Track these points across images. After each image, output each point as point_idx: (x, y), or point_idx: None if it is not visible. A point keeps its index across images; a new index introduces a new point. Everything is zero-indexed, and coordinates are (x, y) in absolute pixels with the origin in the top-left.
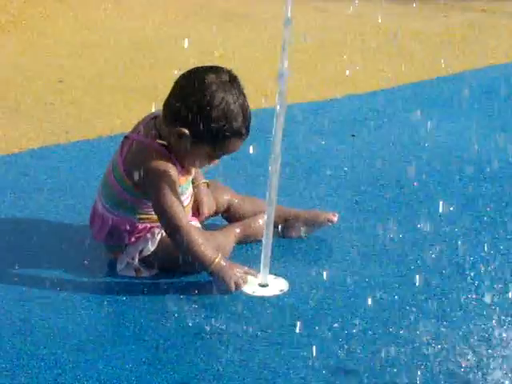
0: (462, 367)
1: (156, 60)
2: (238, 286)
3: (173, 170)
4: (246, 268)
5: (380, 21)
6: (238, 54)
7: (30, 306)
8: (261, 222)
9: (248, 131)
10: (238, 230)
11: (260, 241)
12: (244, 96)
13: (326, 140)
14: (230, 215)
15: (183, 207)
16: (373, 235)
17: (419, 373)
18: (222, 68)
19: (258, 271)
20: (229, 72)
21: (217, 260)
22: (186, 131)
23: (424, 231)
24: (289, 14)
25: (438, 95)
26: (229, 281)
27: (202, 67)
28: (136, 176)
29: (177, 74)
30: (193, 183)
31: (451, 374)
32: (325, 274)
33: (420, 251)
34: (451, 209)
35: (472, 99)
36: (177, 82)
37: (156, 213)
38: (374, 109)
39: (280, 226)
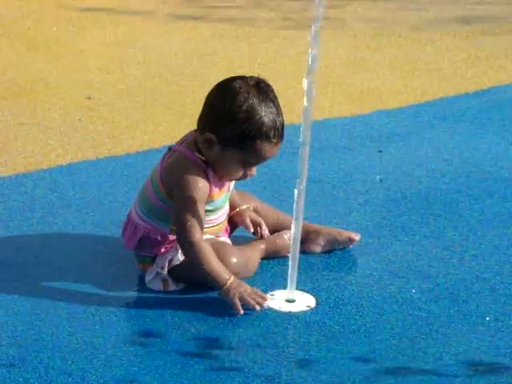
0: None
1: (184, 76)
2: (248, 305)
3: (204, 185)
4: (256, 290)
5: (405, 35)
6: (265, 69)
7: (58, 321)
8: (286, 237)
9: (279, 136)
10: (263, 246)
11: (285, 256)
12: (273, 101)
13: (354, 155)
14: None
15: (202, 223)
16: (400, 251)
17: None
18: (251, 76)
19: (285, 287)
20: (257, 78)
21: (230, 281)
22: (213, 136)
23: (452, 247)
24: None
25: (466, 110)
26: (234, 301)
27: (232, 76)
28: (169, 184)
29: (205, 90)
30: (232, 208)
31: None
32: (352, 289)
33: (448, 267)
34: (479, 225)
35: (501, 114)
36: (208, 93)
37: (174, 224)
38: (401, 124)
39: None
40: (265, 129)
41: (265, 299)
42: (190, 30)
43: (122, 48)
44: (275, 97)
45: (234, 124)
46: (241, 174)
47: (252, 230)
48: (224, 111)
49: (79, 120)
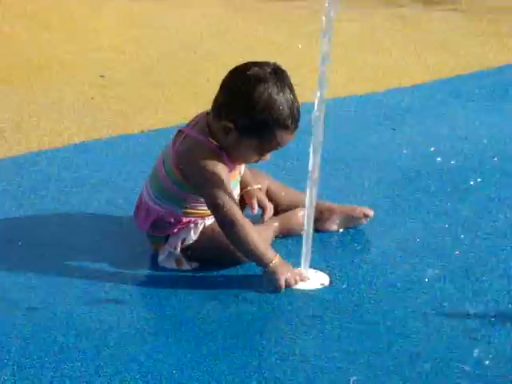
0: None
1: (198, 55)
2: (288, 286)
3: (224, 169)
4: (300, 271)
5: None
6: (280, 49)
7: (72, 299)
8: (299, 215)
9: (296, 124)
10: (276, 224)
11: (299, 234)
12: (290, 88)
13: (368, 134)
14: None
15: (236, 202)
16: (414, 229)
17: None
18: (267, 62)
19: (299, 265)
20: (274, 65)
21: (275, 260)
22: (231, 125)
23: (465, 225)
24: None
25: (481, 88)
26: (281, 281)
27: (248, 62)
28: (186, 171)
29: (219, 69)
30: (243, 187)
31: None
32: (366, 268)
33: (462, 245)
34: (493, 203)
35: None
36: (224, 78)
37: (210, 209)
38: (415, 102)
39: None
40: (283, 118)
41: (305, 280)
42: (203, 8)
43: (136, 27)
44: (291, 83)
45: (253, 113)
46: (255, 159)
47: (254, 211)
48: (243, 100)
49: (92, 98)
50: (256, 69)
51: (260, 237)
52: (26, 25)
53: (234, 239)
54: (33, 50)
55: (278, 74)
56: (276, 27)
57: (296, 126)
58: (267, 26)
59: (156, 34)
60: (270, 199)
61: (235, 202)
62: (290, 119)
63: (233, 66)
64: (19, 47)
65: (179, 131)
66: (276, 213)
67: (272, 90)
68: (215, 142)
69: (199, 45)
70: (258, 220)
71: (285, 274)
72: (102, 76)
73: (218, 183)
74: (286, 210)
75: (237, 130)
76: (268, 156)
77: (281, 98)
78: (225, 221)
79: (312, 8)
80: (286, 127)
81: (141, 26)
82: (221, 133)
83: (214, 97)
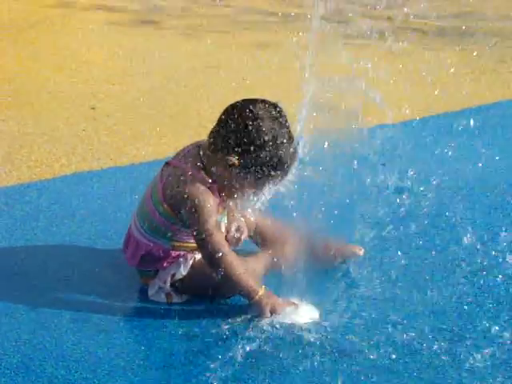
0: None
1: (188, 89)
2: (274, 312)
3: (214, 201)
4: (287, 300)
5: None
6: (268, 82)
7: (62, 331)
8: (291, 249)
9: (293, 165)
10: (267, 257)
11: (288, 268)
12: (288, 127)
13: (357, 168)
14: (257, 237)
15: (223, 236)
16: (404, 264)
17: None
18: (270, 102)
19: (289, 298)
20: (276, 106)
21: (261, 292)
22: (235, 161)
23: (456, 261)
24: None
25: (470, 125)
26: (265, 311)
27: (250, 100)
28: (176, 202)
29: (210, 102)
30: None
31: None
32: (356, 302)
33: (450, 279)
34: (485, 239)
35: (504, 130)
36: (227, 113)
37: (197, 241)
38: (404, 138)
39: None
40: (285, 160)
41: (293, 306)
42: (194, 43)
43: (126, 60)
44: (287, 121)
45: (261, 154)
46: (245, 197)
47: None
48: (252, 141)
49: (83, 130)
50: (263, 109)
51: (247, 269)
52: (16, 55)
53: (219, 272)
54: (23, 80)
55: (278, 112)
56: (266, 60)
57: (292, 167)
58: (258, 61)
59: (146, 67)
60: (261, 234)
61: (222, 236)
62: (289, 161)
63: (224, 100)
64: (9, 77)
65: (166, 163)
66: (266, 247)
67: (277, 129)
68: (207, 177)
69: (189, 78)
70: (249, 252)
71: (269, 304)
72: (92, 108)
73: (207, 215)
74: (275, 244)
75: (240, 168)
76: (257, 197)
77: (284, 138)
78: (211, 253)
79: (301, 42)
80: (285, 172)
81: (131, 59)
82: (220, 166)
83: (207, 130)
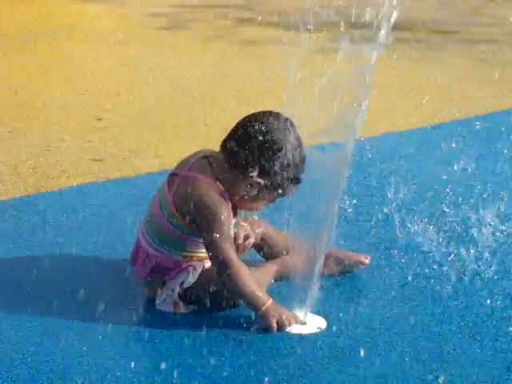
0: None
1: (194, 98)
2: (282, 327)
3: (229, 212)
4: (293, 314)
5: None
6: (275, 92)
7: (69, 343)
8: (297, 259)
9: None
10: (274, 268)
11: (295, 278)
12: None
13: (364, 177)
14: (263, 247)
15: (234, 246)
16: (410, 273)
17: None
18: (286, 117)
19: (295, 309)
20: (290, 121)
21: (268, 303)
22: (261, 180)
23: (464, 270)
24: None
25: (476, 133)
26: (272, 324)
27: (265, 114)
28: (190, 213)
29: (216, 111)
30: None
31: None
32: (363, 312)
33: (458, 291)
34: (492, 246)
35: (510, 138)
36: (242, 128)
37: (207, 249)
38: (411, 146)
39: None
40: (300, 171)
41: (298, 322)
42: (200, 52)
43: (132, 70)
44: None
45: (284, 169)
46: (262, 205)
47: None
48: (273, 156)
49: (89, 141)
50: (282, 121)
51: (254, 280)
52: (23, 67)
53: (227, 281)
54: (29, 92)
55: (294, 128)
56: (273, 71)
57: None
58: (263, 70)
59: (152, 77)
60: (267, 244)
61: (232, 245)
62: (302, 172)
63: (231, 110)
64: (15, 88)
65: (172, 174)
66: (273, 257)
67: (293, 143)
68: (221, 186)
69: (196, 88)
70: (257, 263)
71: (276, 316)
72: (99, 119)
73: (220, 224)
74: (281, 253)
75: (264, 184)
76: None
77: (303, 161)
78: (220, 262)
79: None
80: (299, 178)
81: (137, 69)
82: (239, 183)
83: (213, 140)
